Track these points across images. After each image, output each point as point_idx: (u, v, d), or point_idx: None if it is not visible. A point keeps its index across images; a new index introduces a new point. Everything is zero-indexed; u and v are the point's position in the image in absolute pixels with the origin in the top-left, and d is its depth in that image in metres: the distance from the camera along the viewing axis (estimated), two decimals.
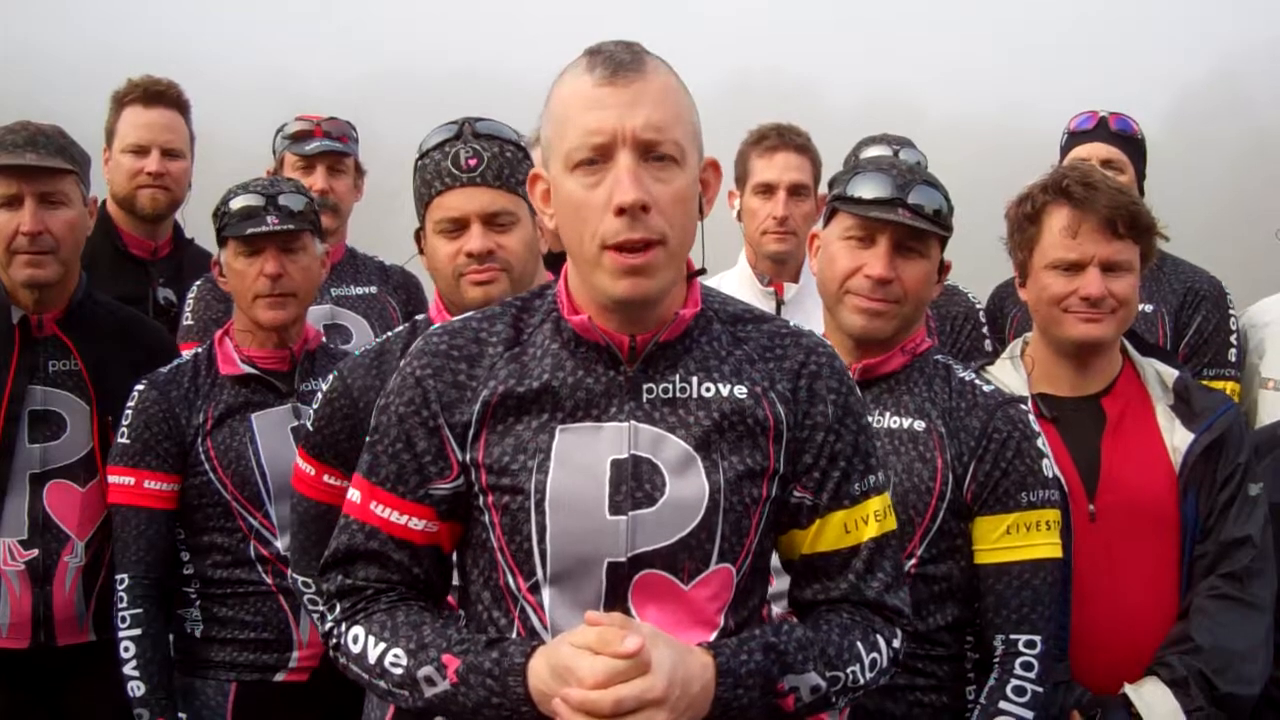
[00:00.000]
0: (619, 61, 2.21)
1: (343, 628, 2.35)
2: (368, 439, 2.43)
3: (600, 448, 2.29)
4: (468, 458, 2.32)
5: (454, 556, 2.46)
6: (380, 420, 2.40)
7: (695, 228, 2.31)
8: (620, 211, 2.17)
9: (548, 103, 2.30)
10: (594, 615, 2.17)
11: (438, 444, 2.33)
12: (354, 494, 2.40)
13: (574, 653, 2.12)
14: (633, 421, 2.29)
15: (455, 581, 2.52)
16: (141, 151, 4.73)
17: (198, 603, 3.70)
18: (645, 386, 2.31)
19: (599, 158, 2.20)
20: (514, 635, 2.29)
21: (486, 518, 2.32)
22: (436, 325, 2.48)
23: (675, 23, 7.06)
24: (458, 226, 3.11)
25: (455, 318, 2.48)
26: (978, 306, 4.70)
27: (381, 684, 2.28)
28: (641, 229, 2.18)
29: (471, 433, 2.32)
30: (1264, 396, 4.39)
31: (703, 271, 2.41)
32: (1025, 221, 3.36)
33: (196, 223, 3.84)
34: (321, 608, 3.34)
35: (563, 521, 2.27)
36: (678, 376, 2.32)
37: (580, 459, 2.28)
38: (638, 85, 2.20)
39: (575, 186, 2.22)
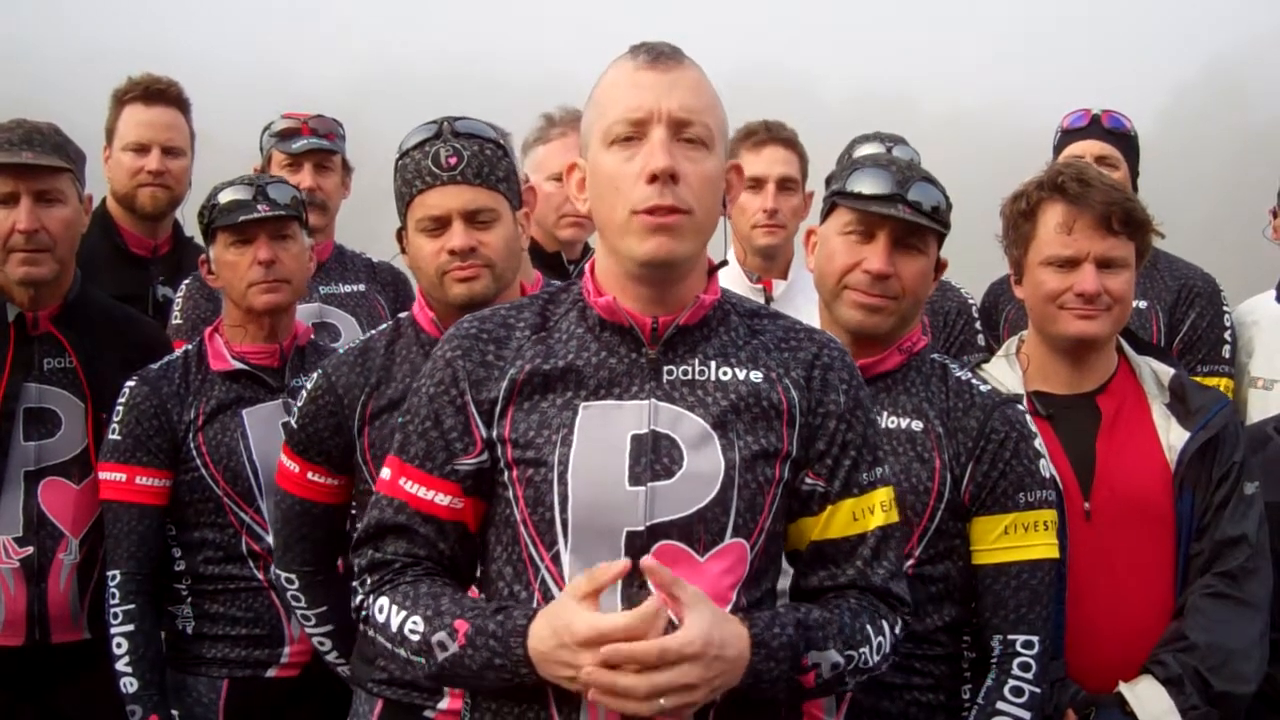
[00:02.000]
0: (660, 51, 2.39)
1: (371, 599, 2.44)
2: (400, 420, 2.54)
3: (621, 423, 2.39)
4: (494, 434, 2.43)
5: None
6: (412, 402, 2.52)
7: (719, 214, 2.46)
8: (652, 179, 2.31)
9: (591, 95, 2.46)
10: (589, 571, 2.27)
11: (464, 421, 2.44)
12: (385, 471, 2.51)
13: (571, 607, 2.21)
14: (653, 400, 2.40)
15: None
16: (142, 150, 4.73)
17: (189, 599, 3.70)
18: (666, 368, 2.42)
19: (636, 133, 2.35)
20: (533, 606, 2.35)
21: (510, 492, 2.42)
22: (468, 314, 2.58)
23: (673, 20, 7.07)
24: (439, 224, 3.16)
25: (486, 308, 2.58)
26: (970, 302, 4.71)
27: (402, 652, 2.37)
28: (670, 196, 2.32)
29: (499, 409, 2.43)
30: (1253, 395, 4.41)
31: (724, 264, 2.55)
32: (1020, 218, 3.35)
33: (195, 222, 3.85)
34: (313, 594, 3.42)
35: (584, 491, 2.36)
36: (697, 360, 2.44)
37: (602, 433, 2.38)
38: (676, 72, 2.38)
39: (612, 160, 2.36)
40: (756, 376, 2.44)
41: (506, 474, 2.42)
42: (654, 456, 2.37)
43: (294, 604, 3.42)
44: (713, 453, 2.38)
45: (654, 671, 2.16)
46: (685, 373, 2.42)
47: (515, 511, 2.41)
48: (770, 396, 2.43)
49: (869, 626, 2.41)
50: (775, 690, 2.32)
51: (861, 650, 2.38)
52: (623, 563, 2.26)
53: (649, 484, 2.36)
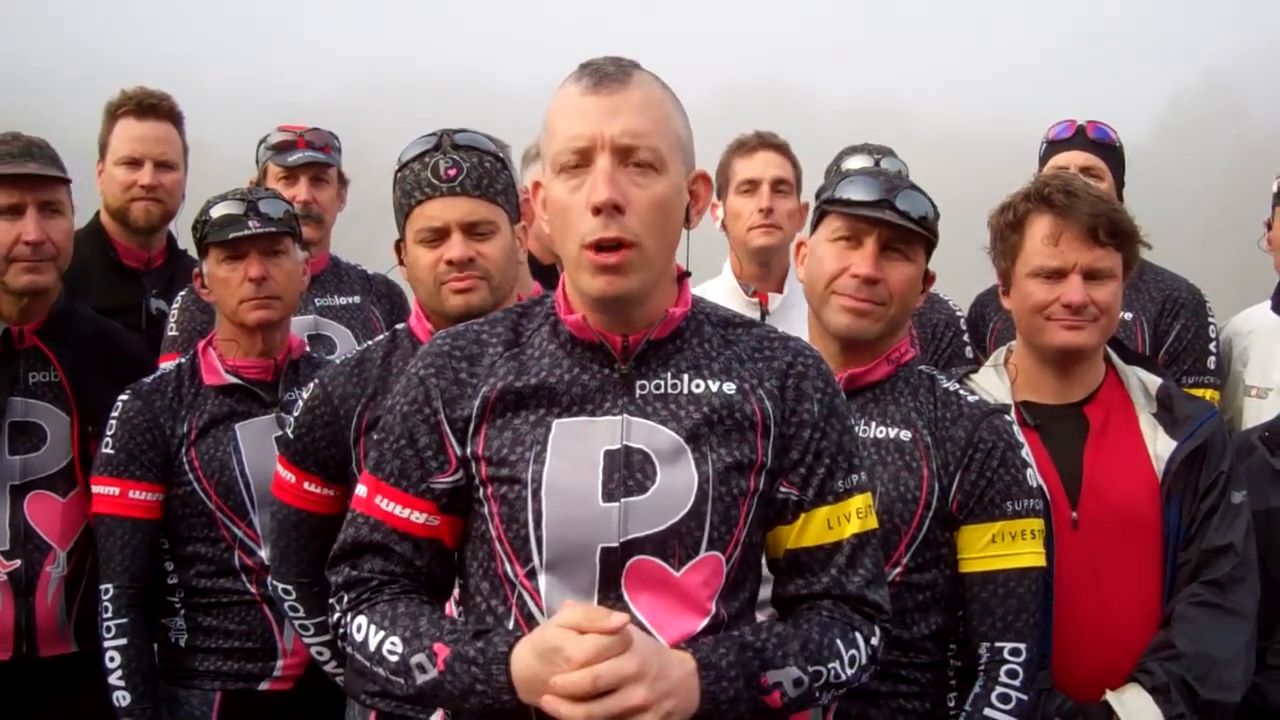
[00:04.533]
0: (604, 73, 2.34)
1: (349, 618, 2.43)
2: (375, 437, 2.55)
3: (594, 439, 2.38)
4: (468, 451, 2.42)
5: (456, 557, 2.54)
6: (387, 420, 2.51)
7: (677, 235, 2.42)
8: (596, 211, 2.28)
9: (545, 115, 2.40)
10: (571, 604, 2.27)
11: (438, 439, 2.43)
12: (361, 489, 2.51)
13: (561, 633, 2.20)
14: (626, 415, 2.39)
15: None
16: (134, 164, 4.72)
17: (182, 612, 3.71)
18: (638, 383, 2.41)
19: (581, 162, 2.31)
20: (511, 623, 2.38)
21: (486, 509, 2.41)
22: (441, 330, 2.57)
23: (670, 35, 7.08)
24: (438, 235, 3.16)
25: (459, 324, 2.56)
26: (959, 314, 4.71)
27: (380, 671, 2.37)
28: (615, 228, 2.29)
29: (472, 427, 2.42)
30: (1248, 404, 4.40)
31: (688, 274, 2.51)
32: (1008, 230, 3.36)
33: (189, 234, 3.86)
34: (310, 605, 3.41)
35: (558, 508, 2.35)
36: (669, 373, 2.42)
37: (575, 450, 2.37)
38: (620, 95, 2.32)
39: (561, 190, 2.34)
40: (730, 388, 2.42)
41: (481, 491, 2.41)
42: (627, 472, 2.36)
43: (291, 614, 3.42)
44: (686, 466, 2.37)
45: (594, 701, 2.16)
46: (658, 386, 2.41)
47: (490, 528, 2.40)
48: (744, 408, 2.41)
49: (839, 640, 2.38)
50: (738, 712, 2.29)
51: (830, 665, 2.36)
52: (622, 617, 2.21)
53: (622, 500, 2.35)
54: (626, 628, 2.20)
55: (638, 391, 2.40)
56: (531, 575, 2.37)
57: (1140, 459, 3.31)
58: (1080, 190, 3.30)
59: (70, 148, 3.91)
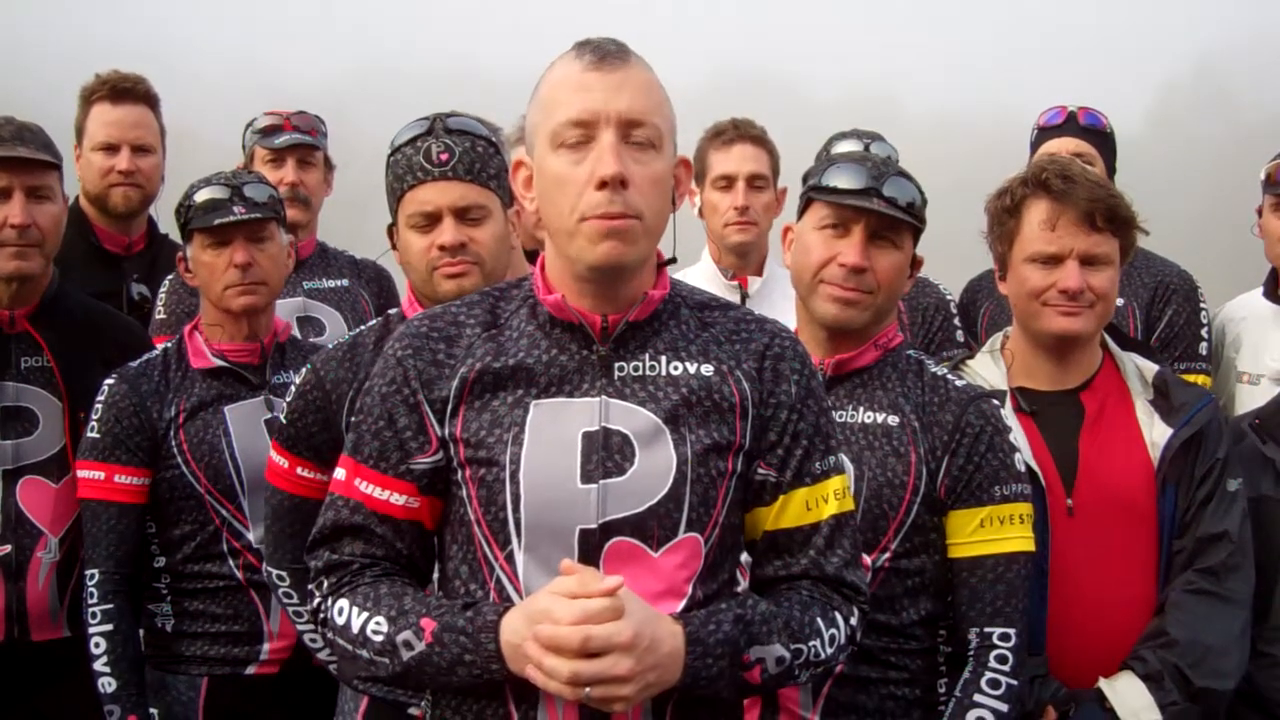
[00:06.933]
0: (607, 50, 2.36)
1: (329, 601, 2.42)
2: (353, 420, 2.55)
3: (572, 421, 2.39)
4: (446, 432, 2.42)
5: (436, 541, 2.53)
6: (364, 401, 2.51)
7: (668, 214, 2.44)
8: (602, 185, 2.29)
9: (535, 90, 2.42)
10: (569, 564, 2.28)
11: (418, 420, 2.43)
12: (340, 472, 2.50)
13: (551, 598, 2.22)
14: (604, 396, 2.40)
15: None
16: (111, 149, 4.72)
17: (169, 597, 3.69)
18: (616, 365, 2.42)
19: (584, 137, 2.32)
20: (502, 604, 2.35)
21: (464, 491, 2.41)
22: (418, 312, 2.58)
23: (657, 20, 7.06)
24: (430, 220, 3.15)
25: (436, 306, 2.57)
26: (949, 298, 4.73)
27: (364, 654, 2.36)
28: (620, 203, 2.30)
29: (450, 408, 2.42)
30: (1240, 390, 4.42)
31: (673, 260, 2.52)
32: (1004, 215, 3.36)
33: (171, 217, 3.84)
34: (304, 591, 3.36)
35: (536, 490, 2.36)
36: (647, 355, 2.43)
37: (553, 431, 2.38)
38: (623, 73, 2.34)
39: (559, 163, 2.34)
40: (708, 370, 2.43)
41: (460, 473, 2.42)
42: (605, 453, 2.37)
43: (286, 601, 3.39)
44: (664, 448, 2.37)
45: (581, 659, 2.16)
46: (636, 368, 2.41)
47: (469, 511, 2.41)
48: (722, 390, 2.43)
49: (820, 619, 2.40)
50: (717, 688, 2.31)
51: (811, 643, 2.37)
52: (617, 579, 2.23)
53: (601, 481, 2.36)
54: (623, 593, 2.21)
55: (616, 373, 2.41)
56: (510, 558, 2.38)
57: (1136, 446, 3.31)
58: (1078, 175, 3.29)
59: (58, 133, 3.88)
